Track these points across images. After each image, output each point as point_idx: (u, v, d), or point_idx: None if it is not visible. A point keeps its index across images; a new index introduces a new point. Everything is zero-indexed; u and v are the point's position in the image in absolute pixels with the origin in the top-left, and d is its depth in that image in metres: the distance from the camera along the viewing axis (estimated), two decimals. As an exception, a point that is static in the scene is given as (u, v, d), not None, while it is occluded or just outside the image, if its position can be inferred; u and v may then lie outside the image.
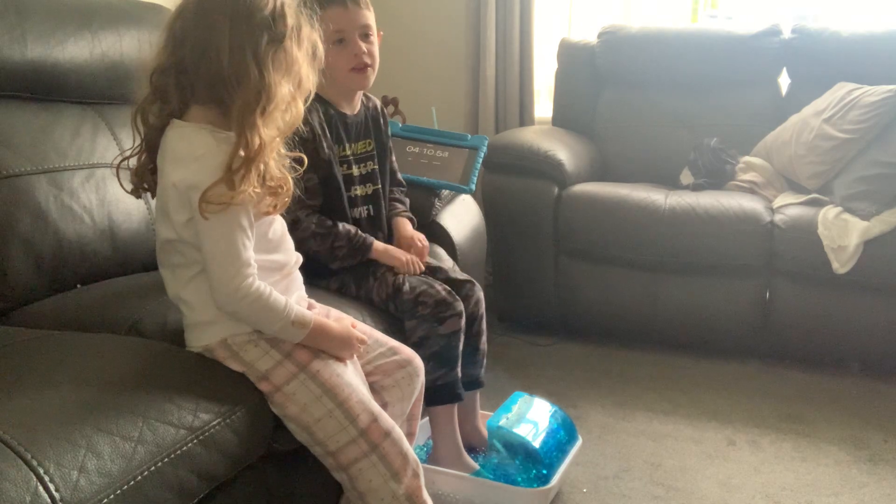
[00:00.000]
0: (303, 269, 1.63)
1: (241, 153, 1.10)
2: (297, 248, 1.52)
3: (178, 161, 1.15)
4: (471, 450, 1.72)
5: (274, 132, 1.15)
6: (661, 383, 2.29)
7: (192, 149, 1.14)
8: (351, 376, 1.27)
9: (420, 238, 1.73)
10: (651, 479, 1.77)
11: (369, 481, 1.24)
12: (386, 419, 1.26)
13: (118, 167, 1.25)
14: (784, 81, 2.92)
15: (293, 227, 1.53)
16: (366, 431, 1.23)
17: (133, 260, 1.74)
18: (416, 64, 3.17)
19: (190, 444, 1.04)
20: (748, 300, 2.42)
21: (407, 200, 1.84)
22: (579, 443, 1.75)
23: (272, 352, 1.21)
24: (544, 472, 1.61)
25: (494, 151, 2.58)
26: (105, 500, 0.91)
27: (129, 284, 1.59)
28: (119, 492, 0.93)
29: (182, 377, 1.12)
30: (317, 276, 1.61)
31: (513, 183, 2.62)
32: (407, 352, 1.44)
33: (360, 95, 1.70)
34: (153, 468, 0.98)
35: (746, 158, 2.73)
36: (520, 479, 1.61)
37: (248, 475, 1.21)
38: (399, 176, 1.85)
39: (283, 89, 1.15)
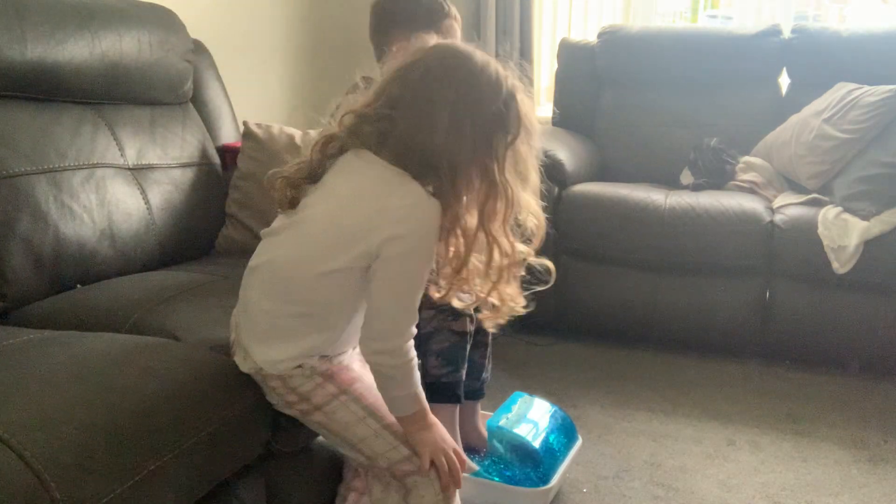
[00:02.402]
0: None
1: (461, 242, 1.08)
2: None
3: (380, 203, 1.08)
4: (471, 450, 1.72)
5: (497, 228, 1.10)
6: (661, 383, 2.29)
7: (405, 196, 1.07)
8: None
9: None
10: (651, 479, 1.77)
11: (422, 496, 1.18)
12: None
13: (271, 178, 1.18)
14: (784, 81, 2.92)
15: None
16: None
17: (133, 260, 1.74)
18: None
19: (189, 444, 1.04)
20: (748, 300, 2.42)
21: None
22: (579, 443, 1.75)
23: (315, 376, 1.16)
24: (544, 472, 1.61)
25: (494, 151, 2.58)
26: (105, 500, 0.91)
27: (129, 284, 1.59)
28: (119, 491, 0.93)
29: (182, 376, 1.12)
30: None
31: (513, 183, 2.61)
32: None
33: None
34: (153, 467, 0.98)
35: (746, 158, 2.73)
36: (520, 479, 1.61)
37: (247, 474, 1.21)
38: None
39: (513, 188, 1.10)
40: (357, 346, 1.25)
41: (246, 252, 1.94)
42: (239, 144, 2.07)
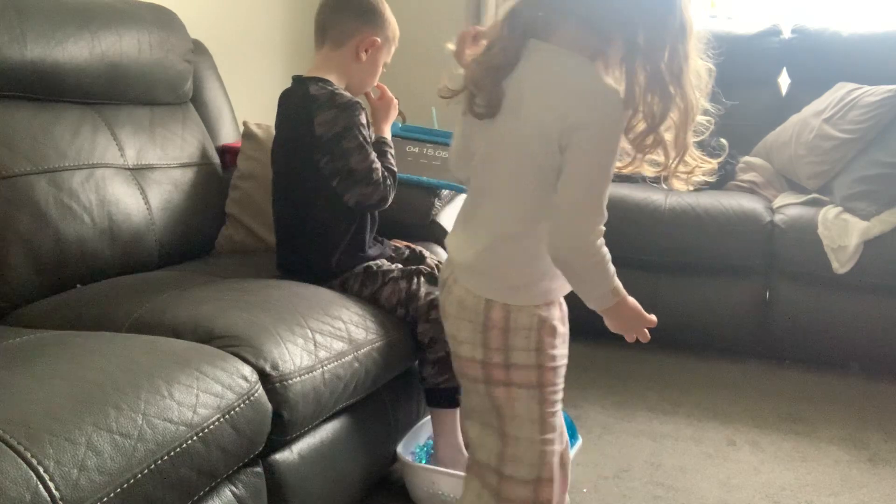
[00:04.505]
0: (306, 270, 1.64)
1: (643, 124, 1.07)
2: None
3: (566, 94, 1.05)
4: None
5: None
6: (661, 383, 2.29)
7: (591, 84, 1.05)
8: (563, 428, 1.19)
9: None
10: (651, 479, 1.77)
11: None
12: (560, 490, 1.18)
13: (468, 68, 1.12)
14: (784, 81, 2.92)
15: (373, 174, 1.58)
16: (539, 483, 1.14)
17: (133, 260, 1.74)
18: (416, 64, 3.17)
19: (189, 441, 1.04)
20: (748, 300, 2.42)
21: None
22: (579, 443, 1.75)
23: (532, 353, 1.13)
24: (544, 471, 1.60)
25: (494, 151, 2.58)
26: (105, 499, 0.91)
27: (129, 283, 1.59)
28: (119, 490, 0.93)
29: (182, 373, 1.12)
30: (320, 277, 1.62)
31: (513, 183, 2.61)
32: None
33: None
34: (153, 466, 0.98)
35: (746, 158, 2.73)
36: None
37: (247, 471, 1.21)
38: None
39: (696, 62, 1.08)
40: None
41: (246, 252, 1.96)
42: (239, 144, 2.07)
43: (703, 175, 1.16)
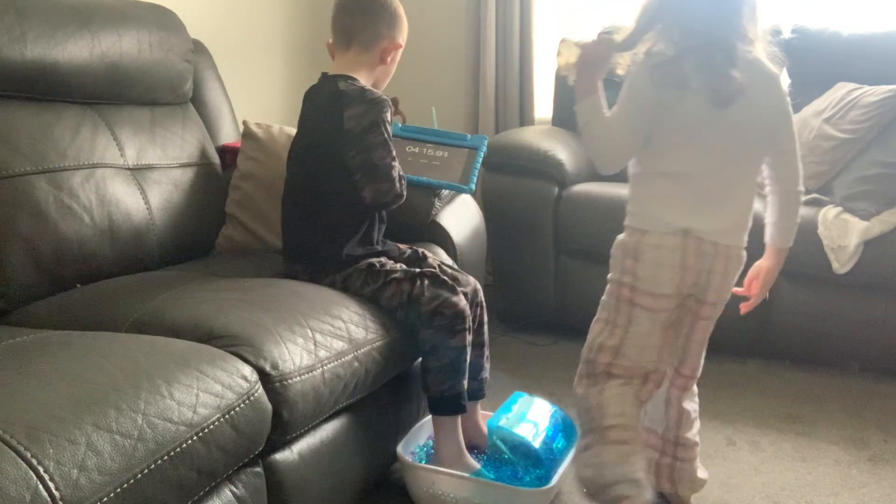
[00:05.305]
0: (314, 258, 1.64)
1: None
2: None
3: (770, 82, 1.55)
4: (472, 448, 1.72)
5: None
6: (661, 383, 2.29)
7: (776, 73, 1.53)
8: None
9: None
10: (651, 479, 1.77)
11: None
12: None
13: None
14: (784, 81, 2.91)
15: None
16: None
17: (133, 260, 1.74)
18: (416, 64, 3.17)
19: (189, 441, 1.04)
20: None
21: None
22: (579, 442, 1.75)
23: None
24: (544, 472, 1.61)
25: (494, 151, 2.58)
26: (105, 499, 0.91)
27: (129, 283, 1.59)
28: (119, 490, 0.93)
29: (182, 373, 1.12)
30: (323, 273, 1.62)
31: (513, 183, 2.62)
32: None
33: None
34: (153, 466, 0.98)
35: (746, 158, 2.73)
36: (520, 479, 1.61)
37: (247, 471, 1.21)
38: None
39: None
40: None
41: (246, 252, 1.97)
42: (239, 144, 2.07)
43: None
